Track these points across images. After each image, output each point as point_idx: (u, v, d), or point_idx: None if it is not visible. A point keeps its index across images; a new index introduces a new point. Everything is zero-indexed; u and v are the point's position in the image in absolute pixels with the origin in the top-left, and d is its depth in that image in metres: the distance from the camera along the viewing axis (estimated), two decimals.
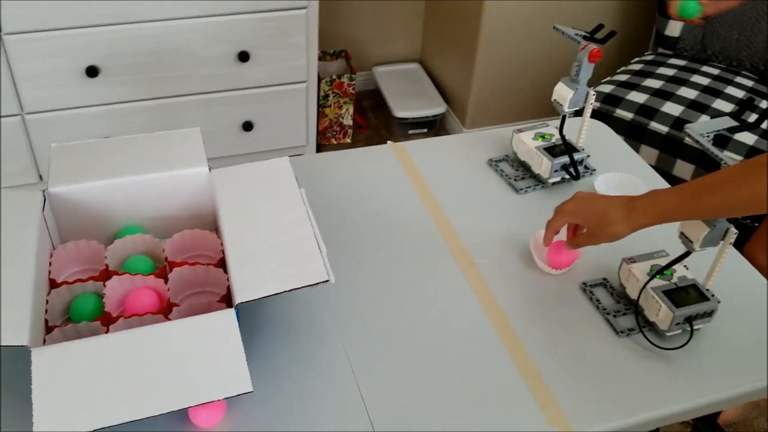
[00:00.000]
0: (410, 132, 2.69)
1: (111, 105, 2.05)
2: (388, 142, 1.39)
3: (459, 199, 1.26)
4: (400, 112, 2.61)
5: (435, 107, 2.66)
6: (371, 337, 1.00)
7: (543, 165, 1.27)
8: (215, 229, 1.07)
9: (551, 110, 2.54)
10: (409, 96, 2.69)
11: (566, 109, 1.25)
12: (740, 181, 0.86)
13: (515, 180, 1.31)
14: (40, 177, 2.10)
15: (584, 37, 1.22)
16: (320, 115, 2.54)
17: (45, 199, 1.00)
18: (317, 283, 0.87)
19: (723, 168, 0.89)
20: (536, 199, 1.27)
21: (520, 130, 1.33)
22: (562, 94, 1.24)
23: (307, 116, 2.29)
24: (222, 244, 0.96)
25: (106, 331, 0.90)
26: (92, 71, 1.95)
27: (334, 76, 2.47)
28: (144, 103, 2.08)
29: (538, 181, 1.31)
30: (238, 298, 0.85)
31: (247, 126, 2.23)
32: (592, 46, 1.19)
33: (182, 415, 0.87)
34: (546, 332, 1.02)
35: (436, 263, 1.13)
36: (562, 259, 1.08)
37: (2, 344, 0.79)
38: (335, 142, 2.63)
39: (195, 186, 1.06)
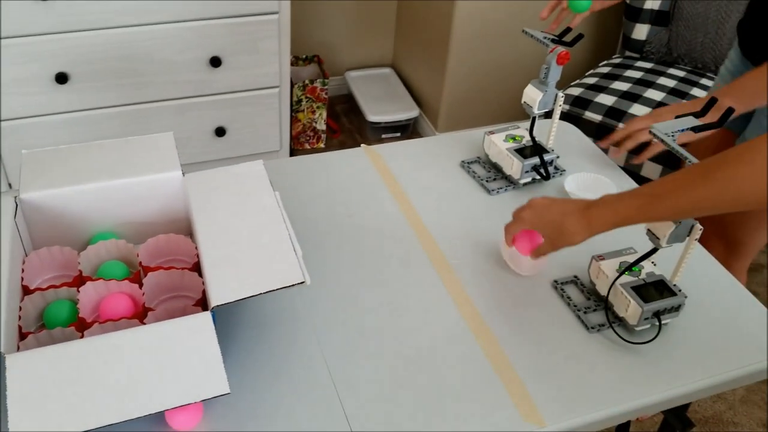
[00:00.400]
0: (383, 136, 2.70)
1: (81, 112, 2.03)
2: (362, 145, 1.40)
3: (432, 200, 1.28)
4: (373, 117, 2.62)
5: (408, 111, 2.67)
6: (347, 337, 1.01)
7: (514, 166, 1.29)
8: (189, 233, 1.07)
9: (522, 113, 2.57)
10: (382, 100, 2.71)
11: (536, 111, 1.27)
12: (691, 185, 0.87)
13: (487, 181, 1.33)
14: (9, 185, 2.08)
15: (552, 41, 1.24)
16: (293, 120, 2.54)
17: (17, 205, 0.99)
18: (293, 285, 0.88)
19: (675, 172, 0.90)
20: (508, 200, 1.29)
21: (491, 132, 1.35)
22: (532, 96, 1.27)
23: (280, 121, 2.29)
24: (196, 248, 0.97)
25: (81, 337, 0.90)
26: (62, 78, 1.93)
27: (306, 81, 2.47)
28: (115, 109, 2.07)
29: (510, 182, 1.33)
30: (214, 301, 0.86)
31: (220, 132, 2.23)
32: (560, 49, 1.22)
33: (159, 418, 0.87)
34: (519, 329, 1.04)
35: (411, 264, 1.14)
36: (531, 246, 1.08)
37: None
38: (309, 147, 2.64)
39: (169, 190, 1.06)
